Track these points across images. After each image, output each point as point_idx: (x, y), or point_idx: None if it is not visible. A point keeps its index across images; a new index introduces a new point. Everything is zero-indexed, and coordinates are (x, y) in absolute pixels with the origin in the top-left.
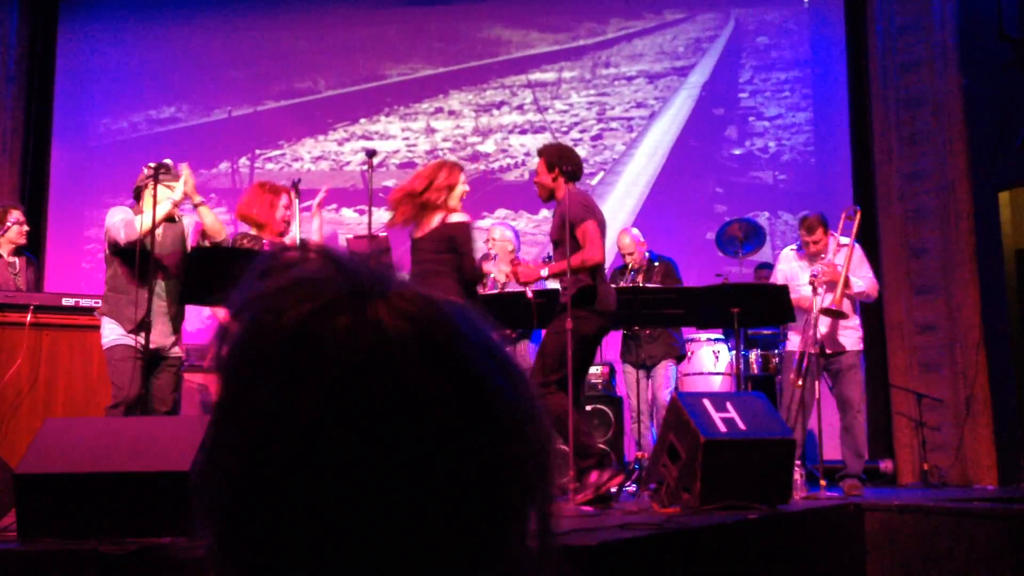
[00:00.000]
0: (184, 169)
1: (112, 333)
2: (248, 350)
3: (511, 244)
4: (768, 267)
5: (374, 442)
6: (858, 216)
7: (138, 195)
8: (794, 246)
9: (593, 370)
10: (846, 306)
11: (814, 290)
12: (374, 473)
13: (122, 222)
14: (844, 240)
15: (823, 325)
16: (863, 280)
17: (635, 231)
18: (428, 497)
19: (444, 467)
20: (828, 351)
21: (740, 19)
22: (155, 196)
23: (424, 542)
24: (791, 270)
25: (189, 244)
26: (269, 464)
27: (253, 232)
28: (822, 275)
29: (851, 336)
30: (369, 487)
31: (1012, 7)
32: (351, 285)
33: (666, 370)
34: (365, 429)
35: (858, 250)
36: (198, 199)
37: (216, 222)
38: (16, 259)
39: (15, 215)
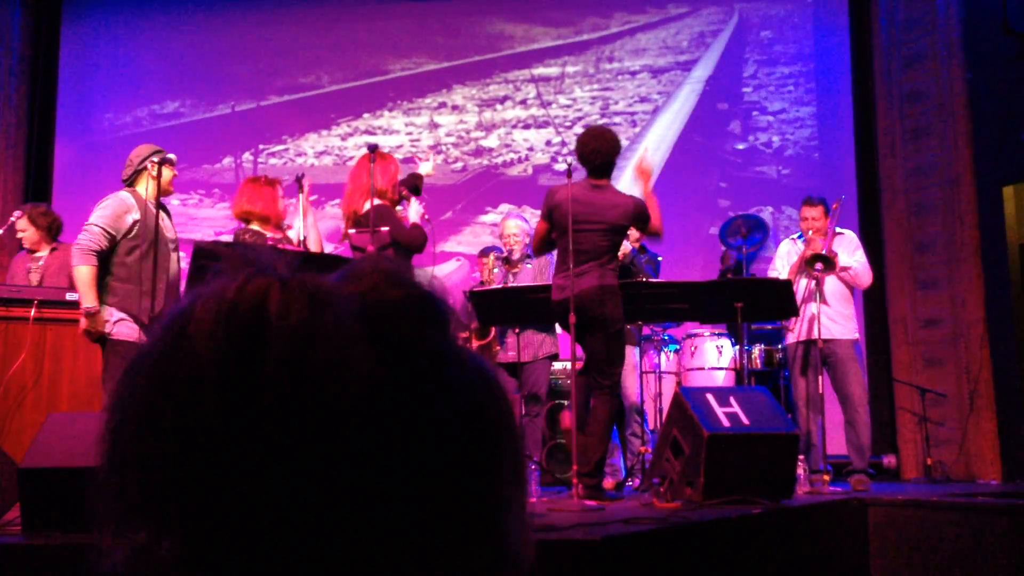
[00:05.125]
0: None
1: (124, 328)
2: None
3: (527, 236)
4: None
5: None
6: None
7: (132, 181)
8: (794, 236)
9: (558, 366)
10: (839, 294)
11: (804, 263)
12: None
13: (80, 253)
14: (839, 230)
15: (812, 308)
16: (857, 263)
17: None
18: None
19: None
20: (820, 339)
21: (744, 13)
22: (159, 186)
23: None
24: (789, 259)
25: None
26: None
27: (254, 227)
28: (813, 238)
29: (845, 325)
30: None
31: (1016, 1)
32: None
33: (632, 355)
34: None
35: (854, 236)
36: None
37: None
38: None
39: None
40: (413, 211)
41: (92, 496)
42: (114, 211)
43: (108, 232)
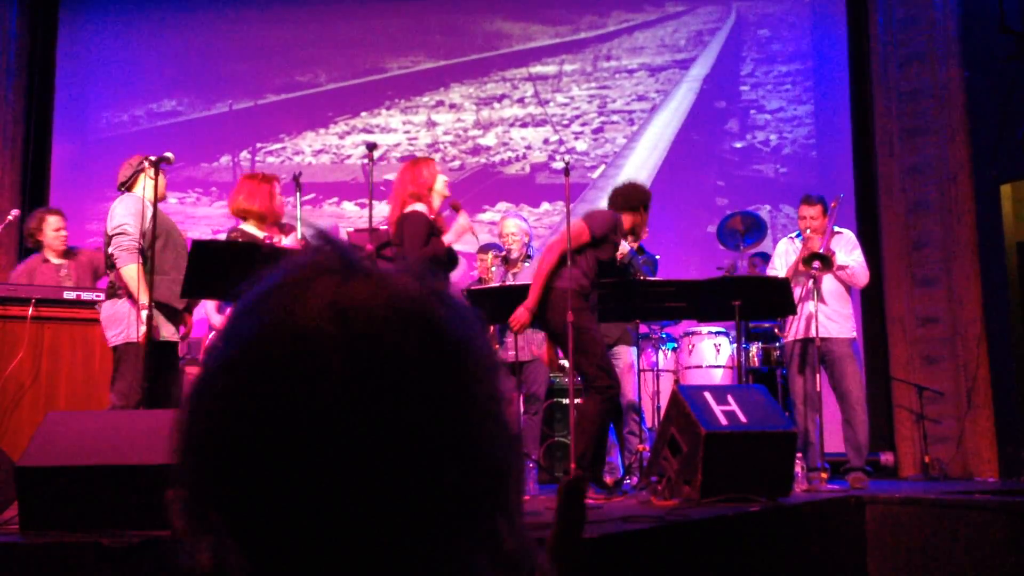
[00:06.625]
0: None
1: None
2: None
3: (527, 236)
4: (762, 256)
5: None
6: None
7: (129, 185)
8: (792, 234)
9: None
10: (837, 293)
11: (803, 261)
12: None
13: (128, 254)
14: (837, 229)
15: (810, 306)
16: (855, 262)
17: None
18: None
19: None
20: (818, 338)
21: (741, 12)
22: (156, 185)
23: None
24: (787, 257)
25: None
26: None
27: (246, 228)
28: (811, 236)
29: (843, 324)
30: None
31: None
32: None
33: (628, 355)
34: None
35: (852, 235)
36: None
37: None
38: (64, 261)
39: (52, 222)
40: (455, 230)
41: (166, 495)
42: (134, 209)
43: (136, 229)
